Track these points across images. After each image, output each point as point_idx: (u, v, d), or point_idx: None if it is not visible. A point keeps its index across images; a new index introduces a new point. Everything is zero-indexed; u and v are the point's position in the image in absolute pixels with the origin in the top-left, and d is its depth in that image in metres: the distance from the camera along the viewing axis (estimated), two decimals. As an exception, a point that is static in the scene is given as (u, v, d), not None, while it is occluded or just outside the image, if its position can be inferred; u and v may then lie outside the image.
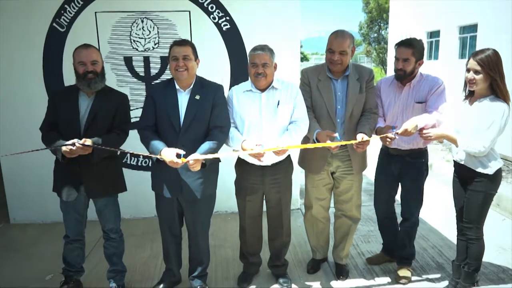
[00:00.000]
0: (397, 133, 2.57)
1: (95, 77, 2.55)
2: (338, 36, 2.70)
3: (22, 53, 3.89)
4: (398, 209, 3.12)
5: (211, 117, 2.61)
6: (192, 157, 2.43)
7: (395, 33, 19.92)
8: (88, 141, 2.45)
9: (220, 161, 2.80)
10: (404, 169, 2.91)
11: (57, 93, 2.76)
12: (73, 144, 2.41)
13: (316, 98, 2.83)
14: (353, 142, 2.63)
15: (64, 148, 2.42)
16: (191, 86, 2.62)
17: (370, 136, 2.68)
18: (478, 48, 13.66)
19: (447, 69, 13.52)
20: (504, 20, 11.52)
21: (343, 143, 2.66)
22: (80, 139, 2.45)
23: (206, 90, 2.63)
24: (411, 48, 2.68)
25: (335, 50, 2.69)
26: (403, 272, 3.04)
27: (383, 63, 28.81)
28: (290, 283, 3.02)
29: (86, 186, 2.65)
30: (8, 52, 3.88)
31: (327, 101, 2.79)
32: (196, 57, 2.61)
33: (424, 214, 3.09)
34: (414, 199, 2.96)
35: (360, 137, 2.62)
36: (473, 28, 14.02)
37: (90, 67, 2.54)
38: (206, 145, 2.54)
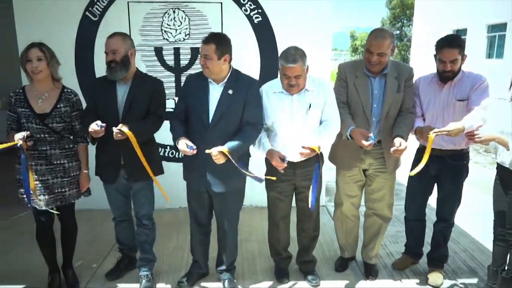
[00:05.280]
0: (438, 133, 2.48)
1: (116, 66, 2.56)
2: (378, 36, 2.60)
3: (56, 40, 3.88)
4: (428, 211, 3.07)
5: (243, 113, 2.56)
6: (216, 149, 2.41)
7: (419, 31, 19.54)
8: (125, 127, 2.48)
9: (250, 156, 2.78)
10: (443, 170, 2.81)
11: (97, 81, 2.82)
12: (100, 126, 2.45)
13: (352, 95, 2.77)
14: (391, 149, 2.57)
15: (90, 129, 2.46)
16: (225, 80, 2.56)
17: (407, 138, 2.64)
18: (506, 48, 13.30)
19: (474, 68, 13.19)
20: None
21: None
22: (117, 125, 2.50)
23: (240, 84, 2.56)
24: (457, 48, 2.57)
25: (373, 51, 2.60)
26: (435, 275, 2.98)
27: (404, 60, 28.33)
28: (319, 280, 2.98)
29: (126, 170, 2.68)
30: (41, 41, 3.89)
31: (363, 99, 2.73)
32: (223, 54, 2.47)
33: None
34: (453, 201, 2.88)
35: (398, 142, 2.56)
36: (502, 27, 13.63)
37: (110, 56, 2.56)
38: (236, 140, 2.50)
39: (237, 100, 2.54)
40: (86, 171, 2.77)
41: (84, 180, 2.76)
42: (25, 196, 2.56)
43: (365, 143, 2.54)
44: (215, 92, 2.57)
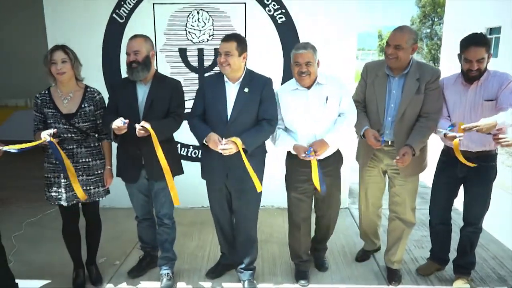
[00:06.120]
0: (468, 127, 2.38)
1: (137, 67, 2.61)
2: (397, 30, 2.66)
3: (84, 42, 3.99)
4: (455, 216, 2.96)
5: (259, 111, 2.64)
6: (228, 139, 2.47)
7: (450, 29, 18.95)
8: (148, 124, 2.53)
9: (266, 152, 2.81)
10: (471, 172, 2.69)
11: (117, 82, 2.90)
12: (124, 122, 2.49)
13: (370, 93, 2.81)
14: (394, 160, 2.65)
15: (113, 126, 2.51)
16: (240, 79, 2.65)
17: (417, 149, 2.63)
18: (541, 46, 12.68)
19: (508, 68, 12.69)
20: None
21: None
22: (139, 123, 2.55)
23: (255, 83, 2.65)
24: (484, 46, 2.48)
25: (390, 43, 2.64)
26: (461, 283, 2.87)
27: (435, 59, 27.57)
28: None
29: (147, 170, 2.74)
30: (70, 42, 4.01)
31: (378, 98, 2.75)
32: (242, 51, 2.59)
33: (483, 222, 2.89)
34: (480, 205, 2.77)
35: (401, 153, 2.59)
36: (539, 24, 13.06)
37: (132, 56, 2.61)
38: (251, 133, 2.57)
39: (253, 97, 2.62)
40: (110, 167, 2.83)
41: (108, 176, 2.82)
42: (52, 194, 2.66)
43: (374, 142, 2.66)
44: (231, 91, 2.65)
